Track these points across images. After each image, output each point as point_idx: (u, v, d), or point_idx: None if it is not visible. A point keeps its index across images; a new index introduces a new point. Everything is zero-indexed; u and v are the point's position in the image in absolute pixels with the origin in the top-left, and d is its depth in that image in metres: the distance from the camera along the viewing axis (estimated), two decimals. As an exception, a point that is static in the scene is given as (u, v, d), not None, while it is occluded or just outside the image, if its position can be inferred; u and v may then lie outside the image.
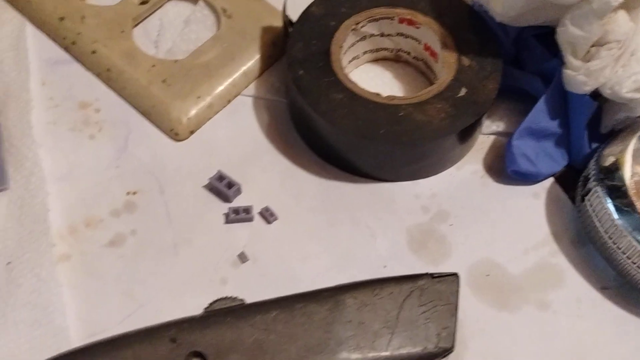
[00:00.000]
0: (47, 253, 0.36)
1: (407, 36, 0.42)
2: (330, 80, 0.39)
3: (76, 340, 0.34)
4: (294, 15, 0.42)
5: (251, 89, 0.43)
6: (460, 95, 0.38)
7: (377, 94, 0.39)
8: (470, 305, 0.36)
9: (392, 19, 0.42)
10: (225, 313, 0.33)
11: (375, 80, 0.44)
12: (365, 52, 0.44)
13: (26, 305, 0.34)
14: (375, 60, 0.45)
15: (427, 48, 0.42)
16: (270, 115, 0.42)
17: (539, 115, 0.39)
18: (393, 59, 0.45)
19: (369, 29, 0.42)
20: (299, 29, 0.40)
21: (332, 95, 0.38)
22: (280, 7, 0.44)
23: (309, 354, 0.31)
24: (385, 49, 0.44)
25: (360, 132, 0.37)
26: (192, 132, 0.41)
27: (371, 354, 0.32)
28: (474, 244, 0.38)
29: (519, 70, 0.42)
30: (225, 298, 0.34)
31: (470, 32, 0.41)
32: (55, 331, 0.34)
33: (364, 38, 0.42)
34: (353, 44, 0.42)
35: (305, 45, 0.40)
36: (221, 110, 0.42)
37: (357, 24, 0.41)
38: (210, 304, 0.33)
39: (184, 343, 0.31)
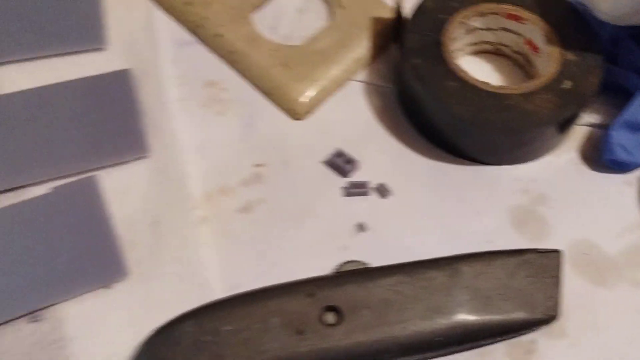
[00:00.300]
0: (188, 215, 0.40)
1: (510, 31, 0.46)
2: (444, 69, 0.42)
3: (218, 292, 0.38)
4: (403, 9, 0.45)
5: (361, 75, 0.47)
6: (565, 87, 0.41)
7: (487, 83, 0.42)
8: (570, 280, 0.39)
9: (498, 15, 0.45)
10: (354, 274, 0.36)
11: (475, 72, 0.47)
12: (468, 45, 0.47)
13: (172, 260, 0.39)
14: (475, 53, 0.48)
15: (528, 43, 0.45)
16: (378, 100, 0.46)
17: (637, 109, 0.42)
18: (492, 52, 0.48)
19: (476, 23, 0.45)
20: (414, 21, 0.44)
21: (447, 83, 0.41)
22: (387, 1, 0.48)
23: (432, 313, 0.35)
24: (487, 42, 0.47)
25: (472, 118, 0.40)
26: (309, 113, 0.45)
27: (486, 317, 0.35)
28: (571, 225, 0.41)
29: (615, 66, 0.45)
30: (352, 261, 0.38)
31: (572, 28, 0.44)
32: (200, 283, 0.38)
33: (469, 31, 0.46)
34: (459, 37, 0.45)
35: (420, 36, 0.43)
36: (334, 93, 0.46)
37: (466, 17, 0.45)
38: (340, 265, 0.37)
39: (320, 298, 0.35)
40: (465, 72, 0.42)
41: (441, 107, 0.41)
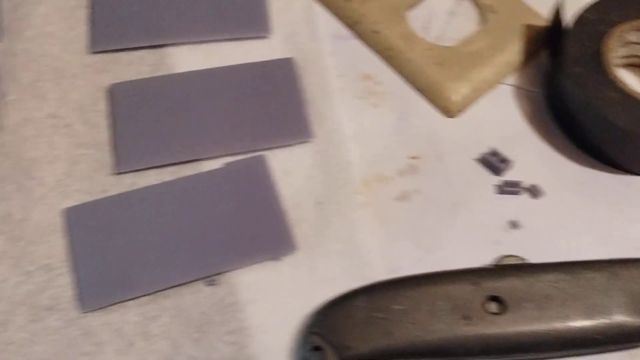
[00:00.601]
0: (351, 199, 0.42)
1: (664, 46, 0.47)
2: (604, 79, 0.43)
3: (378, 273, 0.40)
4: (563, 18, 0.47)
5: (510, 79, 0.48)
6: None
7: (646, 96, 0.43)
8: None
9: (655, 30, 0.46)
10: (515, 267, 0.38)
11: (624, 84, 0.48)
12: (619, 57, 0.48)
13: (336, 239, 0.41)
14: (623, 65, 0.49)
15: (681, 59, 0.46)
16: (527, 103, 0.47)
17: None
18: (638, 65, 0.49)
19: (631, 36, 0.46)
20: (575, 31, 0.45)
21: (607, 93, 0.43)
22: (537, 9, 0.50)
23: (592, 312, 0.36)
24: (636, 56, 0.48)
25: (633, 129, 0.42)
26: (460, 111, 0.47)
27: (644, 320, 0.37)
28: None
29: None
30: (512, 255, 0.39)
31: None
32: (362, 263, 0.40)
33: (624, 44, 0.47)
34: (615, 49, 0.46)
35: (580, 45, 0.45)
36: (485, 95, 0.48)
37: (624, 31, 0.46)
38: (500, 258, 0.39)
39: (484, 287, 0.37)
40: (624, 84, 0.43)
41: (600, 117, 0.42)
